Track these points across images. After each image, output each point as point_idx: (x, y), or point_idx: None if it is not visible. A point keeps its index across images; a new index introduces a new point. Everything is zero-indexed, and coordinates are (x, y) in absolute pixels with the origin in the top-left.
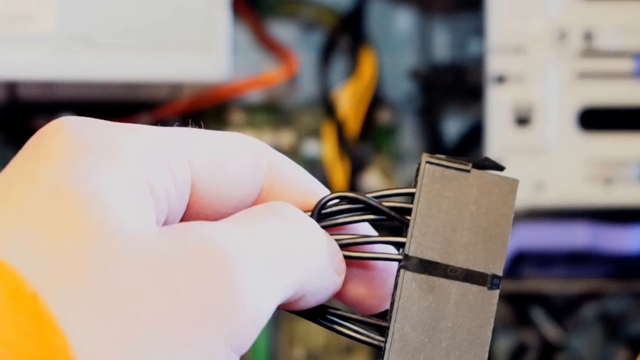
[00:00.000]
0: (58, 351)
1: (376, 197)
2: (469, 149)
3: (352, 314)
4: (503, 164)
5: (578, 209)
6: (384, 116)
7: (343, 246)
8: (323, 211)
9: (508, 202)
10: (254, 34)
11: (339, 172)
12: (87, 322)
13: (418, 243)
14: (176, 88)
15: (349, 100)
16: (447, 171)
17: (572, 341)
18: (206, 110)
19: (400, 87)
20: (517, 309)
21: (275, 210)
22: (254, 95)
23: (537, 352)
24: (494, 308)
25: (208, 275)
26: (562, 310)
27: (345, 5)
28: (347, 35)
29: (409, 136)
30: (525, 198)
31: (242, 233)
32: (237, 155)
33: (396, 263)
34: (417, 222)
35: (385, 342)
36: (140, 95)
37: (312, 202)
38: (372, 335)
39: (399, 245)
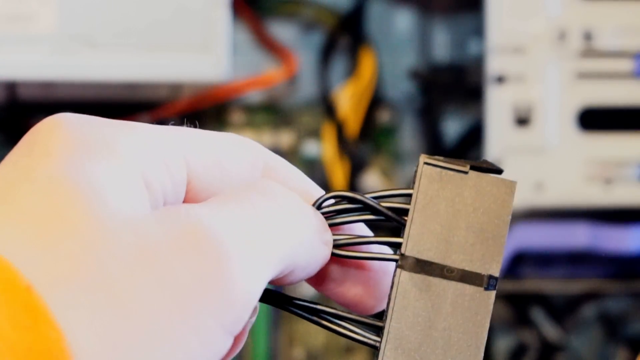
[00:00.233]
0: (52, 343)
1: (374, 198)
2: (468, 149)
3: (349, 313)
4: (503, 164)
5: (578, 209)
6: (383, 116)
7: (340, 246)
8: (320, 211)
9: (506, 204)
10: (254, 34)
11: (339, 172)
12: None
13: (415, 243)
14: (176, 88)
15: (349, 100)
16: (445, 172)
17: (572, 341)
18: (206, 110)
19: (400, 87)
20: (516, 309)
21: (259, 188)
22: (254, 96)
23: (536, 352)
24: (490, 308)
25: (197, 258)
26: (562, 310)
27: (345, 5)
28: (347, 35)
29: (408, 136)
30: (525, 198)
31: (229, 213)
32: (234, 155)
33: (393, 263)
34: (414, 222)
35: (380, 341)
36: (140, 95)
37: (308, 202)
38: (368, 334)
39: (395, 246)
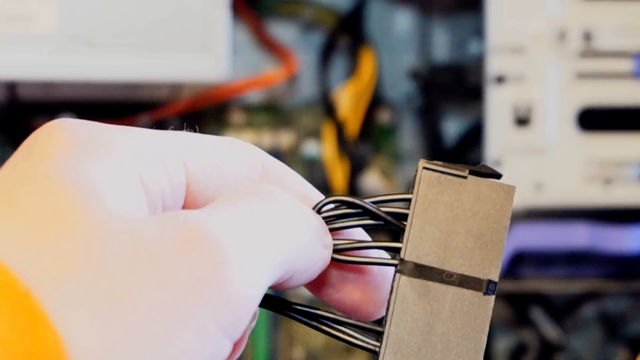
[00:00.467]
0: (51, 347)
1: (374, 203)
2: (468, 149)
3: (348, 318)
4: (503, 164)
5: (577, 209)
6: (383, 116)
7: (339, 251)
8: (320, 215)
9: (504, 208)
10: (254, 34)
11: (339, 173)
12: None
13: (414, 248)
14: (176, 88)
15: (349, 100)
16: (444, 177)
17: (572, 341)
18: (206, 110)
19: (400, 87)
20: (516, 309)
21: (258, 191)
22: (254, 96)
23: (536, 352)
24: (490, 313)
25: (195, 258)
26: (562, 310)
27: (345, 6)
28: (347, 35)
29: (408, 136)
30: (524, 198)
31: (228, 217)
32: (233, 158)
33: (392, 268)
34: (413, 227)
35: (380, 346)
36: (140, 95)
37: (307, 205)
38: (367, 339)
39: (395, 251)
